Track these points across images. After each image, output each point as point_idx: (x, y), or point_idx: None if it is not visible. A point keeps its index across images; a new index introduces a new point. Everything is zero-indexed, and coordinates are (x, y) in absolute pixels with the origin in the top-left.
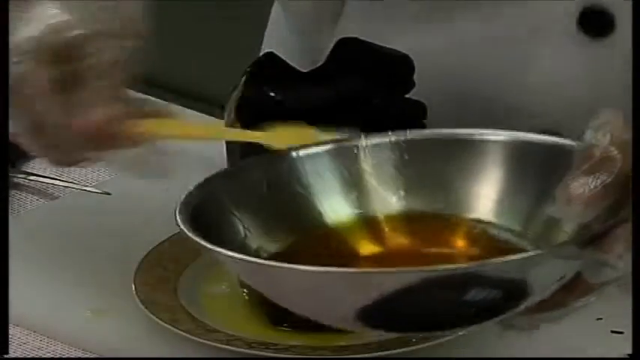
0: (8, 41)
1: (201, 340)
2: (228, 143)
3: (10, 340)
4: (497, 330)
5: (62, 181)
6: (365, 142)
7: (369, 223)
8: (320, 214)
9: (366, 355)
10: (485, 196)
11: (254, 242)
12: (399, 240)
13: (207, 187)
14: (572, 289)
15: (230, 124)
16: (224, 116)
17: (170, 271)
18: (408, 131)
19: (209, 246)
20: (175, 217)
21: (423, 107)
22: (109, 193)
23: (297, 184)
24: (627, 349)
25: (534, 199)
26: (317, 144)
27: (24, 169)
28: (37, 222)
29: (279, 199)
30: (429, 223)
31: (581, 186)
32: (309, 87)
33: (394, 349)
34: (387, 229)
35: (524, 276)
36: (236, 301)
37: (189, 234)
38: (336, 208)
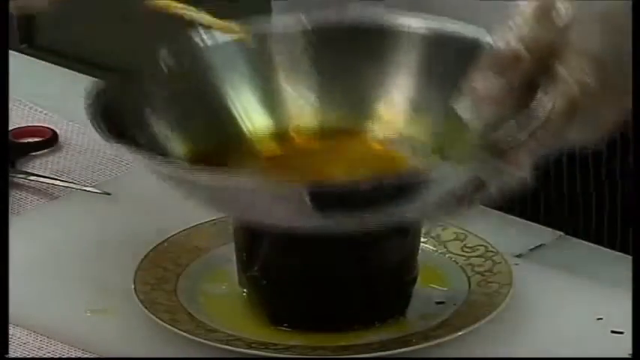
0: (8, 42)
1: (201, 340)
2: None
3: (10, 340)
4: (496, 330)
5: (62, 181)
6: (273, 30)
7: (277, 121)
8: (230, 107)
9: (367, 355)
10: (399, 93)
11: (165, 132)
12: (307, 140)
13: (116, 80)
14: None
15: None
16: None
17: (170, 271)
18: (320, 16)
19: (124, 146)
20: (88, 115)
21: None
22: (108, 193)
23: (210, 76)
24: (627, 349)
25: (449, 96)
26: (224, 30)
27: (24, 169)
28: (37, 222)
29: (190, 93)
30: (339, 122)
31: (486, 84)
32: None
33: (394, 349)
34: (295, 128)
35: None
36: (236, 301)
37: (104, 133)
38: (245, 104)
